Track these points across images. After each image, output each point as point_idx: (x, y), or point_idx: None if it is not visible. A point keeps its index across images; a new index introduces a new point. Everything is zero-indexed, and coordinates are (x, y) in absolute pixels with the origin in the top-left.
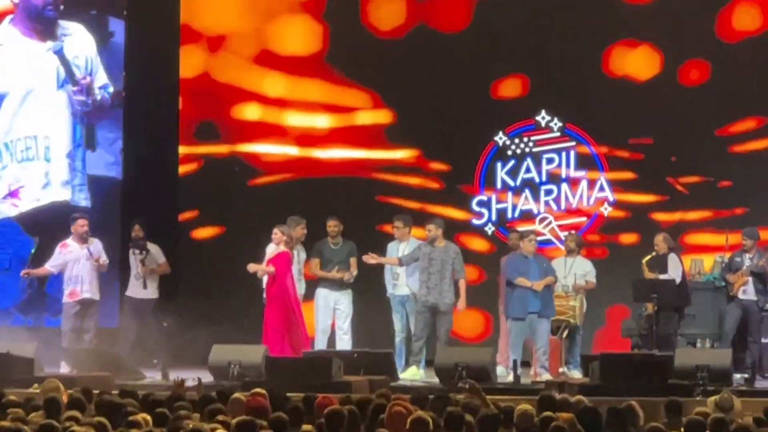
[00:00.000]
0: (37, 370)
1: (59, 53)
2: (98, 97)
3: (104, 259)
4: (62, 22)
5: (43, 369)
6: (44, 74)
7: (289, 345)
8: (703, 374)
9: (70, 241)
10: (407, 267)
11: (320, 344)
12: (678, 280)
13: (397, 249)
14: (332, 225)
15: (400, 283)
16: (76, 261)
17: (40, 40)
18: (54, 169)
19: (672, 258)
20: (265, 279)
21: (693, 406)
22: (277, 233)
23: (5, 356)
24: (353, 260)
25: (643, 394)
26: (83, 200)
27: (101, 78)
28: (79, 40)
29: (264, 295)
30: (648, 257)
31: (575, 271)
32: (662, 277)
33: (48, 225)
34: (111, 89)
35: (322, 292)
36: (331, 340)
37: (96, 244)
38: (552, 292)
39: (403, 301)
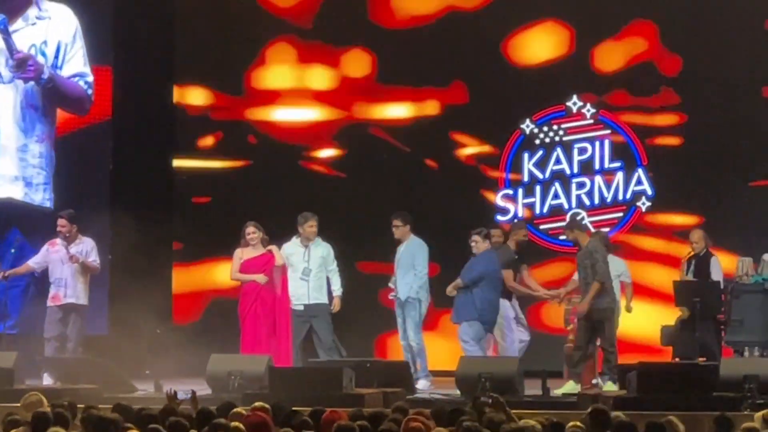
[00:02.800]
0: (18, 381)
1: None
2: (45, 74)
3: (92, 259)
4: (45, 4)
5: (24, 381)
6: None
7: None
8: (751, 386)
9: (58, 240)
10: (399, 269)
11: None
12: (722, 285)
13: (397, 251)
14: (498, 234)
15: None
16: (60, 263)
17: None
18: (2, 163)
19: (714, 260)
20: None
21: (740, 421)
22: (256, 232)
23: None
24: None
25: (684, 408)
26: (47, 201)
27: (75, 65)
28: (55, 24)
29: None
30: (687, 256)
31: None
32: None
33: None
34: (90, 78)
35: (507, 304)
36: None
37: (85, 244)
38: (468, 295)
39: (401, 304)
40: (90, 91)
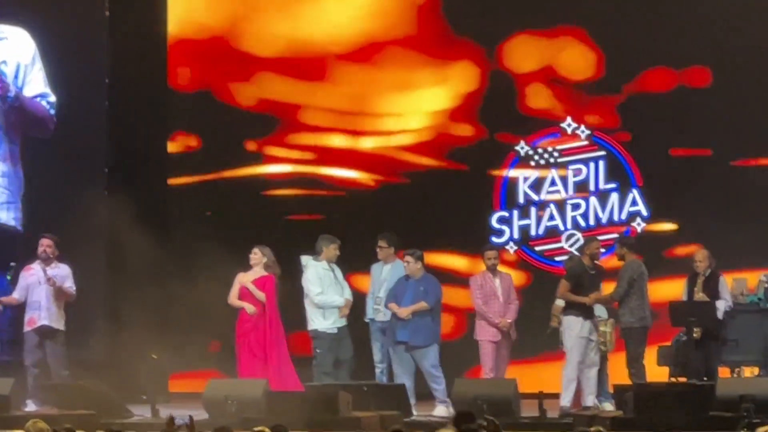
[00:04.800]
0: (14, 409)
1: None
2: (11, 92)
3: (69, 285)
4: (3, 26)
5: (20, 408)
6: None
7: (271, 373)
8: (747, 405)
9: (34, 265)
10: (388, 291)
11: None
12: (731, 305)
13: (381, 271)
14: (597, 248)
15: (383, 309)
16: (36, 285)
17: None
18: None
19: (723, 281)
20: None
21: None
22: (257, 254)
23: None
24: None
25: (681, 428)
26: (12, 220)
27: (36, 87)
28: (13, 45)
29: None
30: (702, 278)
31: None
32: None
33: None
34: (52, 98)
35: (576, 321)
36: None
37: (61, 269)
38: (428, 318)
39: (383, 327)
40: (52, 112)
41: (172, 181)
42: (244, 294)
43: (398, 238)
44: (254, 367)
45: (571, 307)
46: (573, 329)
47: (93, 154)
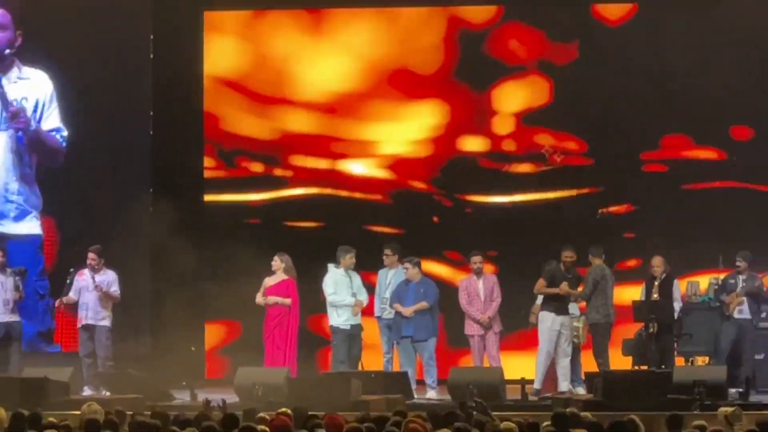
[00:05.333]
0: (72, 393)
1: None
2: (32, 126)
3: (114, 289)
4: (26, 68)
5: (78, 393)
6: None
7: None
8: (699, 389)
9: (86, 271)
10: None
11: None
12: (680, 304)
13: (386, 276)
14: (569, 256)
15: (388, 307)
16: (86, 289)
17: None
18: None
19: (676, 283)
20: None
21: (690, 420)
22: (276, 261)
23: (43, 380)
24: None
25: (643, 409)
26: (36, 228)
27: (52, 122)
28: (33, 85)
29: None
30: (658, 281)
31: None
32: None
33: None
34: (65, 133)
35: (549, 316)
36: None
37: (108, 275)
38: (428, 315)
39: (389, 324)
40: (64, 144)
41: (208, 198)
42: (269, 293)
43: (402, 247)
44: (277, 357)
45: (546, 304)
46: (545, 323)
47: (139, 177)
